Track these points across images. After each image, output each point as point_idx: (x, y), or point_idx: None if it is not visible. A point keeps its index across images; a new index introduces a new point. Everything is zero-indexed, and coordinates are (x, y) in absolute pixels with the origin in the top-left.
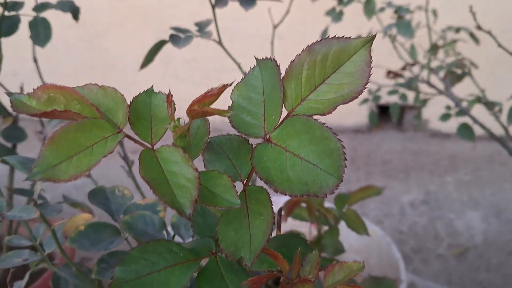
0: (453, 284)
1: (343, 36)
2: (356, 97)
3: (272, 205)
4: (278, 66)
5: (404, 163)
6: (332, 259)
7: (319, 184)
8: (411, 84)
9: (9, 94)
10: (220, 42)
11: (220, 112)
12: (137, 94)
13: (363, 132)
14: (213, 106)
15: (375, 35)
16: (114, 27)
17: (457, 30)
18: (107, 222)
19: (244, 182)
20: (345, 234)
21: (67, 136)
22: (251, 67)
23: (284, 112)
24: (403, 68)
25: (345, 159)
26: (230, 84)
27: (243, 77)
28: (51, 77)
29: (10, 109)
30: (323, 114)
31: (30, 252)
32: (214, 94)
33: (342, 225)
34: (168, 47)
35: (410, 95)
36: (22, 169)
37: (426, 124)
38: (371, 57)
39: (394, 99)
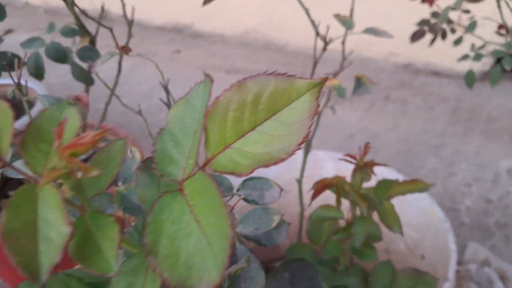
0: None
1: (285, 74)
2: (283, 160)
3: None
4: (209, 96)
5: None
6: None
7: (202, 273)
8: None
9: None
10: None
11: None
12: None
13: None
14: None
15: (325, 78)
16: None
17: None
18: None
19: None
20: (407, 208)
21: None
22: (197, 83)
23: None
24: None
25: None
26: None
27: (187, 92)
28: None
29: (89, 29)
30: (240, 175)
31: None
32: (86, 143)
33: (407, 197)
34: None
35: None
36: None
37: None
38: (318, 106)
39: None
